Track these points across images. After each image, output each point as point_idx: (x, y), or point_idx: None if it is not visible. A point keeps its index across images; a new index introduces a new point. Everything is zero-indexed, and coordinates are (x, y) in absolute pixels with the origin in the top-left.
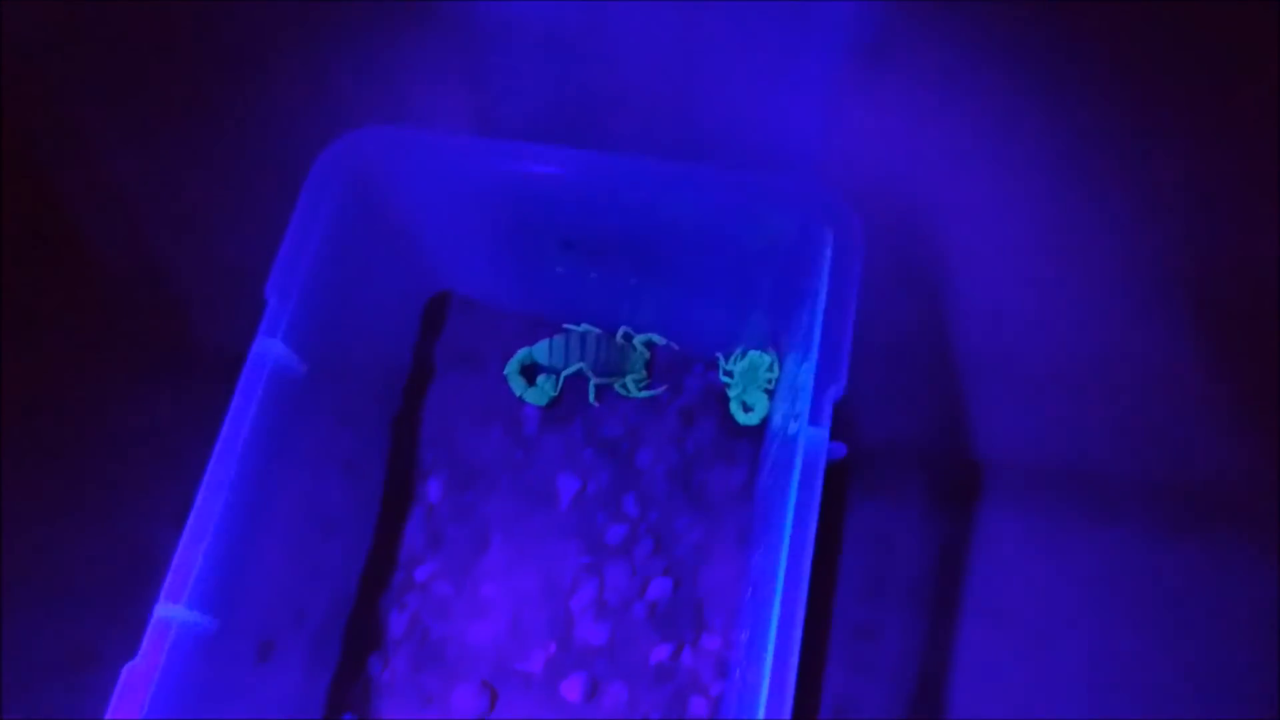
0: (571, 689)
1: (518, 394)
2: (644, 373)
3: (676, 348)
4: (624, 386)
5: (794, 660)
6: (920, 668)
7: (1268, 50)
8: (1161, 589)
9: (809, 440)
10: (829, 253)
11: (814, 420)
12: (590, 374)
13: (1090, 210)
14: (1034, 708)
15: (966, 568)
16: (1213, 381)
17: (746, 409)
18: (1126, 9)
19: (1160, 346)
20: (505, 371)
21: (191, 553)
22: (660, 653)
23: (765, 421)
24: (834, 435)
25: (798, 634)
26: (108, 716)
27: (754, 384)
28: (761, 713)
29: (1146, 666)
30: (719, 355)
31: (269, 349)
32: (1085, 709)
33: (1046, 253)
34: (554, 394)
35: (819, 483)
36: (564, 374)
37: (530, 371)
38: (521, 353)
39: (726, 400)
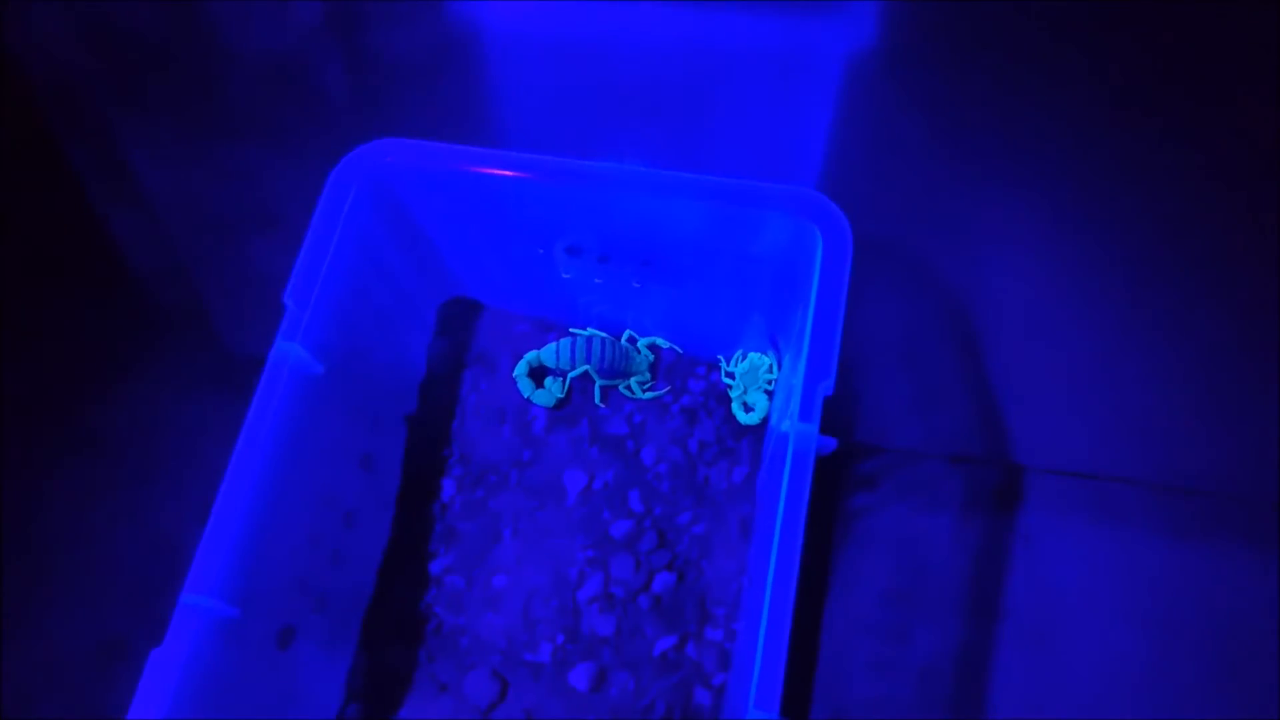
0: (579, 678)
1: (525, 395)
2: (648, 375)
3: (680, 351)
4: (629, 388)
5: (783, 648)
6: (947, 670)
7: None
8: (1165, 589)
9: (798, 435)
10: (819, 256)
11: (804, 416)
12: (596, 376)
13: (1108, 228)
14: (1045, 707)
15: (993, 569)
16: (1214, 383)
17: (747, 409)
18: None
19: (1169, 350)
20: (514, 374)
21: (214, 544)
22: (664, 644)
23: (766, 421)
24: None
25: (788, 620)
26: (136, 699)
27: (754, 385)
28: (753, 700)
29: (1156, 667)
30: (720, 357)
31: (287, 352)
32: (1095, 709)
33: (1065, 263)
34: (560, 396)
35: (808, 475)
36: (570, 376)
37: (538, 374)
38: (529, 355)
39: (728, 401)
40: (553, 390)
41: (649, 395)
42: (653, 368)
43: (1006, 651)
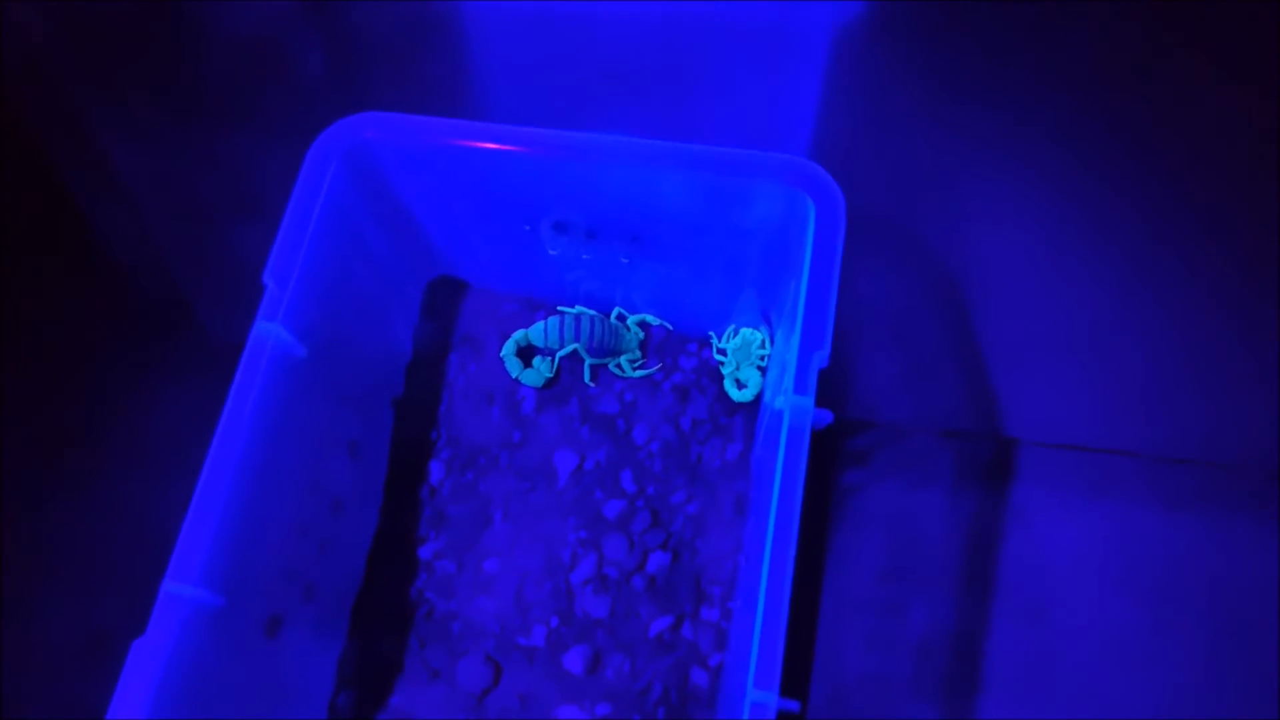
0: (574, 661)
1: (513, 376)
2: (638, 352)
3: (670, 327)
4: (619, 366)
5: (782, 627)
6: (944, 645)
7: None
8: (1162, 560)
9: (794, 407)
10: (812, 224)
11: (799, 388)
12: (585, 355)
13: (1101, 198)
14: (1042, 680)
15: (988, 543)
16: (1209, 352)
17: (740, 385)
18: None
19: (1163, 320)
20: (501, 354)
21: (196, 532)
22: (660, 624)
23: (760, 397)
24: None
25: (785, 597)
26: (118, 691)
27: (747, 360)
28: (752, 680)
29: (1154, 640)
30: (712, 334)
31: (268, 333)
32: (1092, 681)
33: (1058, 234)
34: (549, 375)
35: (804, 449)
36: (559, 355)
37: (526, 354)
38: (517, 335)
39: (721, 377)
40: (541, 370)
41: (640, 373)
42: (643, 345)
43: (1003, 625)
